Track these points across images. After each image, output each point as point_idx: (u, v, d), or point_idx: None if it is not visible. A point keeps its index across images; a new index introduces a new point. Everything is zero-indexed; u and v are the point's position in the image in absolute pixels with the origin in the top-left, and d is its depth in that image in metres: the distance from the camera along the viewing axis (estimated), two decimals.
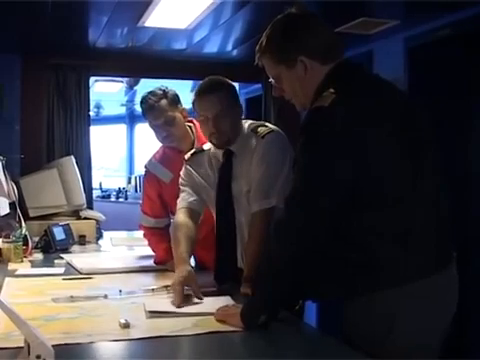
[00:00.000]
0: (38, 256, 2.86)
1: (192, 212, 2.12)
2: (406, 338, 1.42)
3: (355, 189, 1.42)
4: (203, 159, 2.16)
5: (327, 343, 1.46)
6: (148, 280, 2.21)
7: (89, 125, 4.29)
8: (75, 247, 3.21)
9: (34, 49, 3.98)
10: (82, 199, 3.69)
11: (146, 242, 2.63)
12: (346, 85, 1.50)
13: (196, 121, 2.37)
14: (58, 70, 4.15)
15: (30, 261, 2.72)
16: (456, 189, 2.85)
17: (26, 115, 4.11)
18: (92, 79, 4.57)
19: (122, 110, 9.32)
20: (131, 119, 10.08)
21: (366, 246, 1.43)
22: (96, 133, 6.37)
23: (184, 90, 5.22)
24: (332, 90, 1.45)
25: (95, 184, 6.39)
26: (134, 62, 4.31)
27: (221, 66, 3.26)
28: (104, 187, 9.19)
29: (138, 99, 2.82)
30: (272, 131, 2.01)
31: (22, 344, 1.21)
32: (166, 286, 1.94)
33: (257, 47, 1.64)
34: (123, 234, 3.95)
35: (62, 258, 2.74)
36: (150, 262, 2.49)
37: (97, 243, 3.49)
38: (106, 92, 6.48)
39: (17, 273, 2.39)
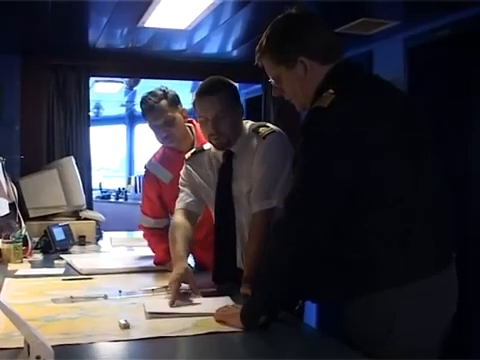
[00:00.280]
0: (38, 257, 2.86)
1: (190, 213, 2.12)
2: (406, 338, 1.42)
3: (355, 189, 1.42)
4: (203, 159, 2.16)
5: (327, 343, 1.46)
6: (148, 280, 2.21)
7: (89, 125, 4.29)
8: (75, 248, 3.21)
9: (34, 49, 3.98)
10: (82, 200, 3.69)
11: (146, 243, 2.64)
12: (346, 85, 1.50)
13: (196, 122, 2.37)
14: (58, 70, 4.15)
15: (30, 262, 2.72)
16: (456, 189, 2.85)
17: (26, 115, 4.10)
18: (92, 79, 4.57)
19: (122, 110, 9.32)
20: (131, 119, 10.08)
21: (366, 246, 1.43)
22: (96, 134, 6.38)
23: (184, 90, 5.23)
24: (332, 90, 1.45)
25: (95, 185, 6.40)
26: (134, 62, 4.30)
27: (221, 66, 3.26)
28: (104, 188, 9.19)
29: (138, 100, 2.82)
30: (273, 132, 2.01)
31: (22, 345, 1.21)
32: (166, 286, 1.93)
33: (257, 47, 1.64)
34: (123, 235, 3.95)
35: (62, 259, 2.74)
36: (150, 263, 2.49)
37: (97, 244, 3.48)
38: (106, 92, 6.47)
39: (17, 274, 2.39)
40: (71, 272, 2.43)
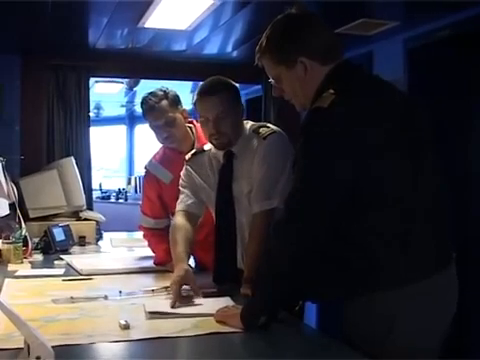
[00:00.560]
0: (38, 257, 2.86)
1: (190, 215, 2.13)
2: (406, 338, 1.42)
3: (355, 189, 1.42)
4: (203, 160, 2.16)
5: (327, 343, 1.46)
6: (148, 281, 2.21)
7: (89, 126, 4.29)
8: (75, 248, 3.21)
9: (34, 49, 3.98)
10: (82, 200, 3.69)
11: (146, 243, 2.64)
12: (346, 85, 1.50)
13: (196, 122, 2.37)
14: (58, 71, 4.15)
15: (30, 262, 2.72)
16: (456, 189, 2.85)
17: (26, 116, 4.10)
18: (92, 80, 4.57)
19: (122, 111, 9.32)
20: (131, 120, 10.08)
21: (366, 246, 1.43)
22: (96, 134, 6.38)
23: (184, 91, 5.23)
24: (332, 91, 1.45)
25: (95, 185, 6.40)
26: (134, 63, 4.30)
27: (221, 67, 3.25)
28: (104, 188, 9.19)
29: (138, 100, 2.83)
30: (274, 132, 2.01)
31: (22, 345, 1.21)
32: (166, 287, 1.94)
33: (257, 48, 1.64)
34: (123, 235, 3.95)
35: (62, 259, 2.74)
36: (150, 263, 2.49)
37: (97, 244, 3.48)
38: (106, 93, 6.47)
39: (17, 274, 2.39)
40: (71, 272, 2.43)
